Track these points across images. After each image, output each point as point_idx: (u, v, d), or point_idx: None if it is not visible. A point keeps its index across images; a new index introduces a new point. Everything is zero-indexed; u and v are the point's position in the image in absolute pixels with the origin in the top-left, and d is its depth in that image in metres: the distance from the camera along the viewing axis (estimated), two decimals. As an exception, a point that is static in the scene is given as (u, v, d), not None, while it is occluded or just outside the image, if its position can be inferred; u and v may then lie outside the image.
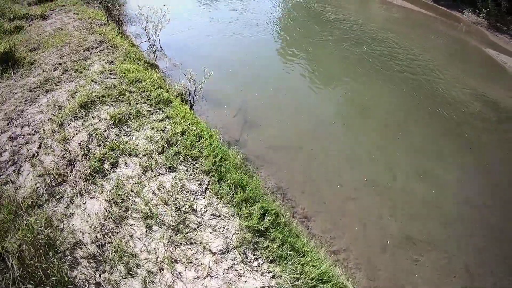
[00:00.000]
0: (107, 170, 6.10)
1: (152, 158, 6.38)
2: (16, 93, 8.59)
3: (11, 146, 6.56)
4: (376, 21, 16.86)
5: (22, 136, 6.83)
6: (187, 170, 6.26)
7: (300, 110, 10.07)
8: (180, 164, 6.38)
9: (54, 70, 9.59)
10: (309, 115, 9.96)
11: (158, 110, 8.20)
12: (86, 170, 5.96)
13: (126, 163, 6.29)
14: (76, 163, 6.14)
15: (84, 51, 10.67)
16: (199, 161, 6.47)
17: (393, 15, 17.68)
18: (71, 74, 9.26)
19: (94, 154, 6.35)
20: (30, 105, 8.17)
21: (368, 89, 11.44)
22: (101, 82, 8.76)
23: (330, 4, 18.65)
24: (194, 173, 6.18)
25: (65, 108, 7.74)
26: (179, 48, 13.64)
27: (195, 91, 9.86)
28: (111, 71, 9.41)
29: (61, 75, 9.34)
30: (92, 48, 10.84)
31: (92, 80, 8.80)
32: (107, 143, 6.64)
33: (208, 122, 9.24)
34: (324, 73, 12.41)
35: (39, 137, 6.79)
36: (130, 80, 8.98)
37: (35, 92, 8.60)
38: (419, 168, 8.03)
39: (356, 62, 13.04)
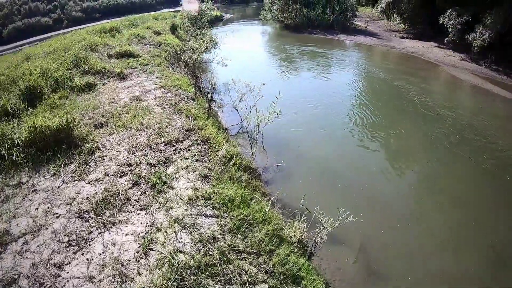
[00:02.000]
0: None
1: None
2: (57, 217, 5.42)
3: None
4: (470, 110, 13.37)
5: None
6: None
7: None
8: None
9: (119, 177, 6.37)
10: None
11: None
12: None
13: None
14: None
15: (165, 145, 7.47)
16: None
17: (488, 104, 14.09)
18: (144, 192, 6.02)
19: None
20: (74, 254, 4.74)
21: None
22: (192, 228, 5.32)
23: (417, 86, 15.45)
24: None
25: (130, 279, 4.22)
26: (273, 136, 10.47)
27: (320, 236, 6.13)
28: (206, 199, 6.00)
29: (128, 189, 6.05)
30: (177, 141, 7.68)
31: (176, 221, 5.32)
32: None
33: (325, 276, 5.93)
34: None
35: None
36: (236, 223, 5.74)
37: (85, 220, 5.27)
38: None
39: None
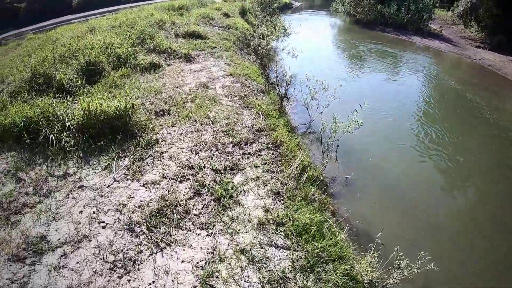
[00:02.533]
0: None
1: None
2: (103, 227, 4.63)
3: None
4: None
5: None
6: None
7: None
8: None
9: (179, 182, 5.27)
10: None
11: None
12: None
13: None
14: None
15: (234, 146, 6.21)
16: None
17: None
18: (206, 205, 4.95)
19: None
20: (119, 279, 4.00)
21: None
22: (261, 263, 4.18)
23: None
24: None
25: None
26: (342, 141, 8.70)
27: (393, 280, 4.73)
28: (278, 224, 4.67)
29: (189, 199, 4.85)
30: (246, 143, 6.41)
31: (243, 252, 4.08)
32: None
33: None
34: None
35: None
36: (310, 260, 4.57)
37: (136, 236, 4.39)
38: None
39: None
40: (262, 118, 7.94)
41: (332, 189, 7.55)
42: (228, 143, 6.53)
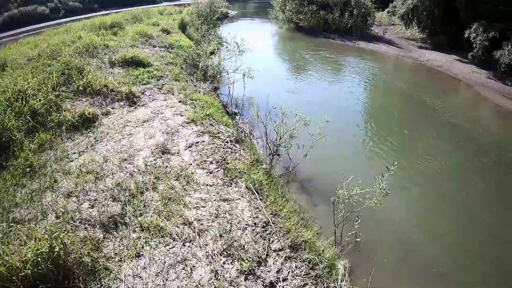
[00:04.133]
0: None
1: None
2: None
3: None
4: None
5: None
6: None
7: None
8: None
9: None
10: None
11: None
12: None
13: None
14: None
15: (246, 277, 3.80)
16: None
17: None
18: None
19: None
20: None
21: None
22: None
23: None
24: None
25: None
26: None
27: None
28: None
29: None
30: (259, 263, 4.14)
31: None
32: None
33: None
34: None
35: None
36: None
37: None
38: None
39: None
40: (259, 197, 5.34)
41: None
42: (235, 276, 3.85)
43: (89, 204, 4.67)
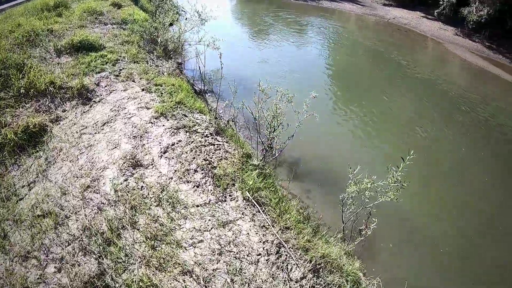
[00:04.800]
0: None
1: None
2: None
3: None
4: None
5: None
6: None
7: None
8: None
9: None
10: None
11: None
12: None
13: None
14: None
15: None
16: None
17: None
18: None
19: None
20: None
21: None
22: None
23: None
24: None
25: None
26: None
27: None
28: None
29: None
30: None
31: None
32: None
33: None
34: None
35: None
36: None
37: None
38: None
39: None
40: (262, 209, 4.42)
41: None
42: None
43: (55, 267, 3.59)
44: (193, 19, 12.12)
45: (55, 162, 5.23)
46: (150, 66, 9.16)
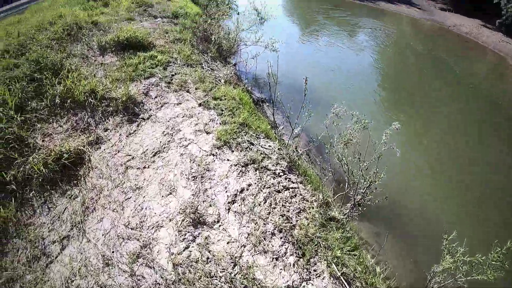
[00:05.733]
0: None
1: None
2: None
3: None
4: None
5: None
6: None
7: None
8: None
9: None
10: None
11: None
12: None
13: None
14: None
15: None
16: None
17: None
18: None
19: None
20: None
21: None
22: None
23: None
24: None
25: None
26: None
27: None
28: None
29: None
30: None
31: None
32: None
33: None
34: None
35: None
36: None
37: None
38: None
39: None
40: None
41: None
42: None
43: None
44: (250, 16, 10.52)
45: (94, 209, 3.85)
46: (206, 70, 7.65)
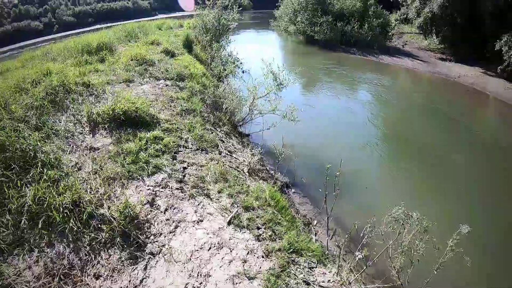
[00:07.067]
0: None
1: None
2: None
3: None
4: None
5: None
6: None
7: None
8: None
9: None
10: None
11: None
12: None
13: None
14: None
15: None
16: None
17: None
18: None
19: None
20: None
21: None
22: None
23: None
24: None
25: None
26: None
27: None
28: None
29: None
30: None
31: None
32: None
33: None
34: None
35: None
36: None
37: None
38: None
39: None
40: None
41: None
42: None
43: None
44: (264, 79, 9.17)
45: None
46: (224, 157, 5.91)
